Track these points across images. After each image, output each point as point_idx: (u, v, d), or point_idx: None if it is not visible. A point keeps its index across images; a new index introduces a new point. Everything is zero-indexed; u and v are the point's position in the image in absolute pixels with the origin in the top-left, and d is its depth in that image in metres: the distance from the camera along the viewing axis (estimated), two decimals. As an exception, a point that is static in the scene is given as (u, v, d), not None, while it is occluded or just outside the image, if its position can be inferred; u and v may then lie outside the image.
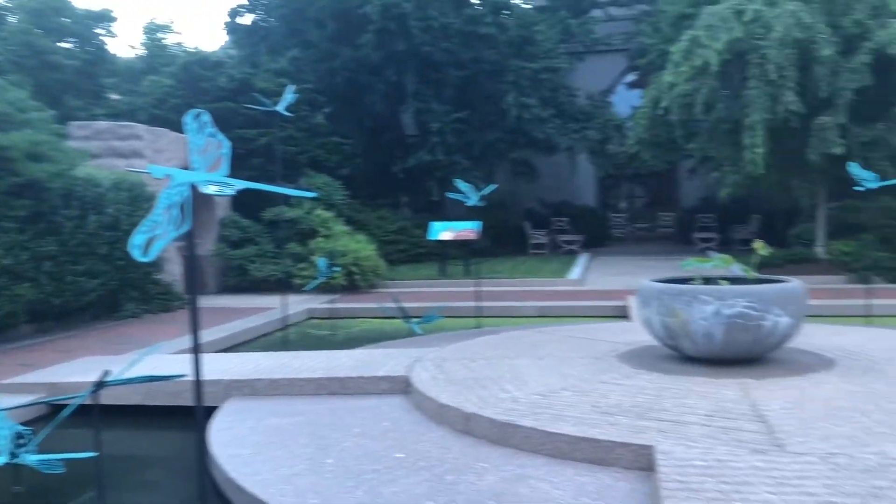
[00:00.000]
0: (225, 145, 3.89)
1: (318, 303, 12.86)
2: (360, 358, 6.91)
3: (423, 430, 4.96)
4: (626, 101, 25.09)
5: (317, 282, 11.97)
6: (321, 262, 11.97)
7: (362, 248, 15.31)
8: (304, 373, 6.30)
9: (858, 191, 9.27)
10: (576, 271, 16.72)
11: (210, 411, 5.50)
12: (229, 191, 3.90)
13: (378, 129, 21.81)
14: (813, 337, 6.91)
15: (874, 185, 8.96)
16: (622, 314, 10.78)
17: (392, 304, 10.11)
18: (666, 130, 16.48)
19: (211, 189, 3.84)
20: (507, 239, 21.78)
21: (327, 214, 16.22)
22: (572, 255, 20.70)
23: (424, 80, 20.13)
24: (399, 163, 21.02)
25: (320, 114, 19.31)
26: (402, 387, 6.00)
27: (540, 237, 22.02)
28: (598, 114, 22.07)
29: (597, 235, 24.28)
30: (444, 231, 16.44)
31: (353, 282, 14.57)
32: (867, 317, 9.51)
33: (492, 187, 10.88)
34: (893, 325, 8.98)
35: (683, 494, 3.27)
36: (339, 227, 16.19)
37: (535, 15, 22.55)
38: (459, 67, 20.12)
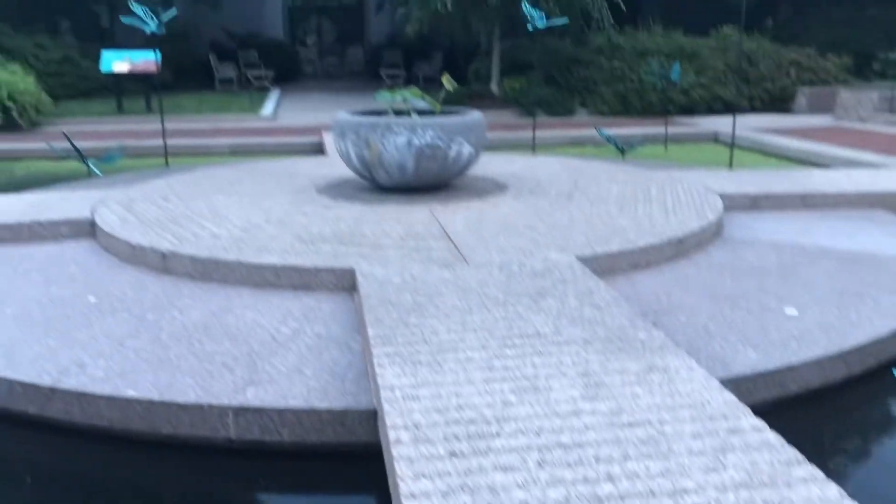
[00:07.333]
0: None
1: (-33, 144, 11.05)
2: (33, 202, 6.21)
3: (116, 273, 4.69)
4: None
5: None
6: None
7: (19, 80, 13.29)
8: (-37, 221, 5.53)
9: (528, 31, 10.05)
10: (268, 107, 16.28)
11: None
12: None
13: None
14: (489, 165, 7.62)
15: (542, 24, 9.75)
16: (318, 150, 10.85)
17: (61, 145, 9.06)
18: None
19: None
20: (190, 73, 20.29)
21: (-33, 40, 13.73)
22: (263, 90, 19.98)
23: None
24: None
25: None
26: (86, 230, 5.55)
27: (228, 71, 20.85)
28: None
29: (287, 70, 23.57)
30: (118, 61, 14.85)
31: (11, 119, 12.72)
32: (533, 147, 10.64)
33: (172, 12, 9.89)
34: (554, 153, 10.21)
35: (384, 308, 3.56)
36: (-15, 55, 13.84)
37: None
38: None
